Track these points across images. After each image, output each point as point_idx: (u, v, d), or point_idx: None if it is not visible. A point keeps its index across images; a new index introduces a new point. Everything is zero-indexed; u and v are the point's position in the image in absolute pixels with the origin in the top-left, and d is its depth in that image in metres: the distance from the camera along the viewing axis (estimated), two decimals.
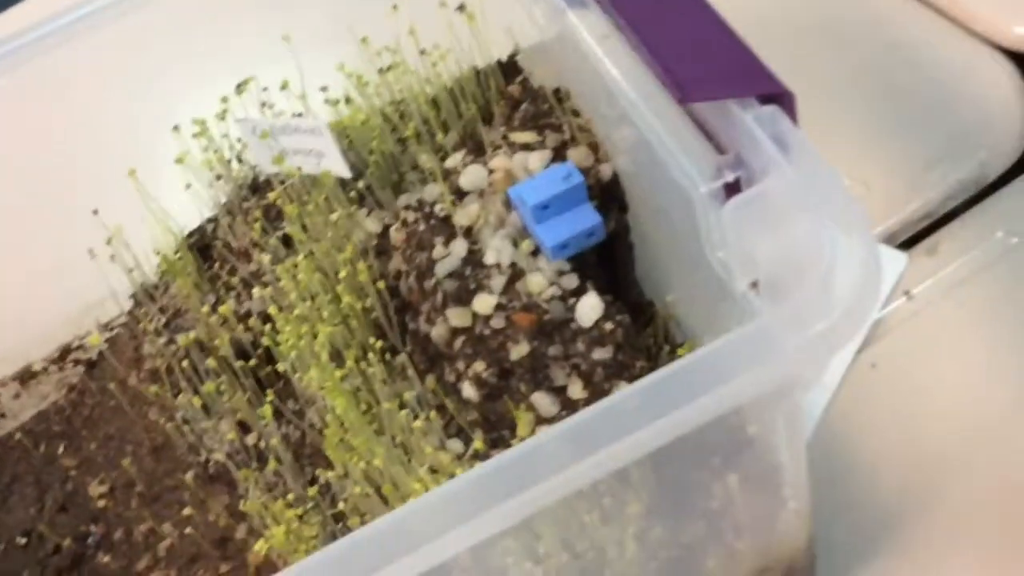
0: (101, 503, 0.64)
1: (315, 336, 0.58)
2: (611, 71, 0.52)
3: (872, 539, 0.57)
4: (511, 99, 0.65)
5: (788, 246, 0.45)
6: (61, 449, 0.67)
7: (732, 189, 0.47)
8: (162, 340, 0.64)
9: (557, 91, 0.62)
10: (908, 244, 0.68)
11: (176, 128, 0.63)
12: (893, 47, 0.76)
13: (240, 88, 0.63)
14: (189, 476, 0.61)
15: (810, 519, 0.54)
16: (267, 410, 0.56)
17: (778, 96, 0.46)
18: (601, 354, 0.54)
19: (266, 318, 0.60)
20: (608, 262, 0.60)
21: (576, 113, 0.60)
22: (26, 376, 0.69)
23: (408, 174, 0.64)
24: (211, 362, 0.60)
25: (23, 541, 0.64)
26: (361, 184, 0.63)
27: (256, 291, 0.61)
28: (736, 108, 0.46)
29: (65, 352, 0.69)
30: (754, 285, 0.48)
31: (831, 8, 0.79)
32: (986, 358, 0.62)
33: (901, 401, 0.62)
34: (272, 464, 0.58)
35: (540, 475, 0.40)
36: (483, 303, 0.56)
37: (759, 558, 0.54)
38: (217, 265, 0.65)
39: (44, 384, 0.68)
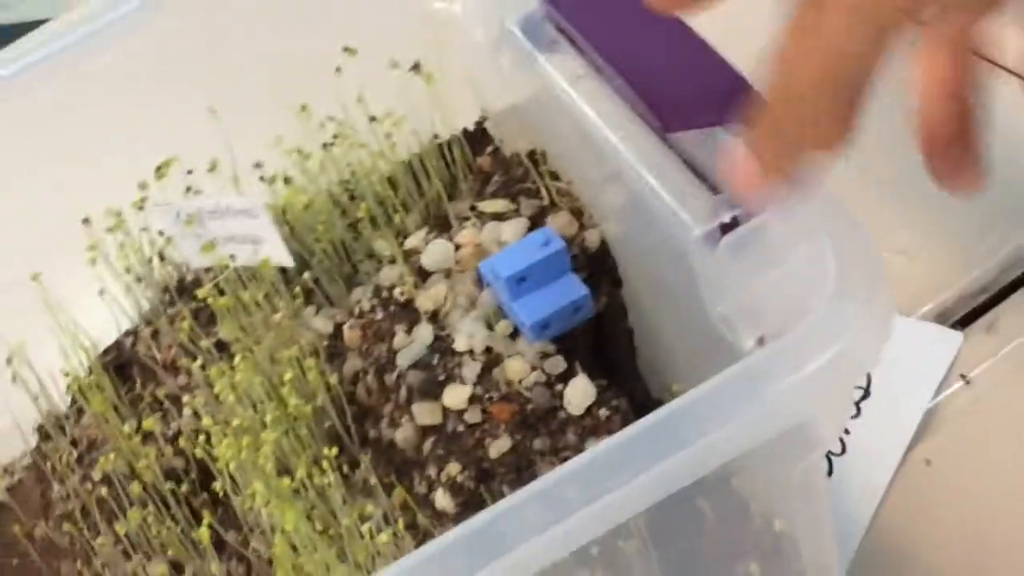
0: None
1: (258, 449, 0.66)
2: (588, 113, 0.62)
3: None
4: (481, 172, 0.75)
5: (791, 283, 0.53)
6: None
7: (729, 231, 0.56)
8: (75, 478, 0.73)
9: (532, 153, 0.72)
10: (963, 323, 0.77)
11: (87, 221, 0.73)
12: None
13: (160, 171, 0.72)
14: None
15: None
16: (204, 533, 0.64)
17: None
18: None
19: (198, 436, 0.68)
20: (601, 349, 0.69)
21: (555, 176, 0.70)
22: None
23: (362, 263, 0.73)
24: (135, 488, 0.68)
25: None
26: (307, 277, 0.72)
27: (186, 400, 0.69)
28: (727, 138, 0.56)
29: None
30: (761, 341, 0.57)
31: None
32: None
33: (963, 504, 0.70)
34: None
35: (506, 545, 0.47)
36: (455, 395, 0.64)
37: None
38: (139, 384, 0.73)
39: None
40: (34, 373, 0.74)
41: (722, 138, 0.56)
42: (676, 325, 0.67)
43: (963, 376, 0.74)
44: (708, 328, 0.60)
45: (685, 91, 0.57)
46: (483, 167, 0.75)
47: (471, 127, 0.78)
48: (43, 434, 0.76)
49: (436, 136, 0.76)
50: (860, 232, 0.52)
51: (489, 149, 0.76)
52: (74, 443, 0.74)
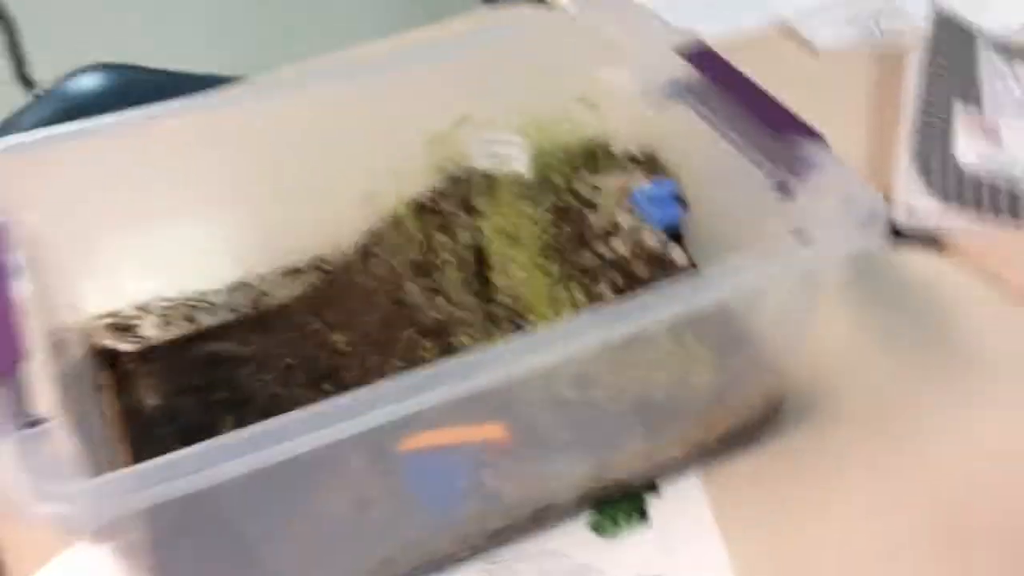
0: (343, 348, 1.02)
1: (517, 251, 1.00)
2: (710, 131, 1.00)
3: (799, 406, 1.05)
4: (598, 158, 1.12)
5: (825, 211, 0.92)
6: (310, 318, 1.04)
7: (784, 185, 0.95)
8: (387, 260, 1.05)
9: (645, 152, 1.09)
10: None
11: (429, 141, 1.06)
12: None
13: (463, 121, 1.06)
14: (412, 331, 1.01)
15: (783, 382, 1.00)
16: (488, 290, 0.98)
17: (819, 138, 0.95)
18: None
19: (476, 246, 1.02)
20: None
21: (656, 161, 1.08)
22: (289, 272, 1.06)
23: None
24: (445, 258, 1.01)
25: (290, 363, 1.01)
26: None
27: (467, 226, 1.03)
28: (798, 140, 0.94)
29: (322, 259, 1.07)
30: (798, 233, 0.94)
31: None
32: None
33: None
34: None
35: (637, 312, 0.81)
36: (619, 244, 1.01)
37: (761, 395, 0.99)
38: (438, 218, 1.06)
39: (302, 280, 1.06)
40: (376, 206, 1.06)
41: (795, 139, 0.94)
42: (715, 233, 1.04)
43: None
44: (738, 235, 0.98)
45: (780, 121, 0.95)
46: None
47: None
48: (375, 234, 1.07)
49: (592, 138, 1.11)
50: (867, 191, 0.90)
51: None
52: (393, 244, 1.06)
